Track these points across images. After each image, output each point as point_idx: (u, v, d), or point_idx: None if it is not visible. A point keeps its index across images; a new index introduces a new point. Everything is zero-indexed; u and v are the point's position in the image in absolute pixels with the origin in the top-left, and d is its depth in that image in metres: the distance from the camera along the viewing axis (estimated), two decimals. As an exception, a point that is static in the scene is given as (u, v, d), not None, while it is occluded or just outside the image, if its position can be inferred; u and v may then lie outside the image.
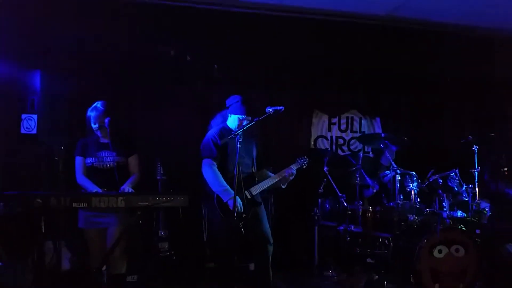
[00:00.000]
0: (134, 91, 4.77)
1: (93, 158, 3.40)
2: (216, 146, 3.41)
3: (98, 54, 4.52)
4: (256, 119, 3.21)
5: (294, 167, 3.57)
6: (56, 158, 3.60)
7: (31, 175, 4.23)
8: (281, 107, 3.21)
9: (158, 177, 4.34)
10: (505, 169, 4.76)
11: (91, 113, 3.38)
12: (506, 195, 4.77)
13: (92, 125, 3.37)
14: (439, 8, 4.66)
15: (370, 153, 5.41)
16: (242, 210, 3.30)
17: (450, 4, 4.52)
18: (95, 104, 3.40)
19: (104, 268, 3.27)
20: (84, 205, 2.77)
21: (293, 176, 3.54)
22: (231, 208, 3.09)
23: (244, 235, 3.29)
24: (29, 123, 4.37)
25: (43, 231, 2.83)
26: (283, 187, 3.60)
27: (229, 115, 3.57)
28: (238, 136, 3.06)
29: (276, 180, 3.51)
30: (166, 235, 4.27)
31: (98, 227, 3.28)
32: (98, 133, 3.40)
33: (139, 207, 2.90)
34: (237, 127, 3.45)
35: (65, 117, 4.48)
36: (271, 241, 3.43)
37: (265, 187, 3.48)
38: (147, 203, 2.89)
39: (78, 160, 3.44)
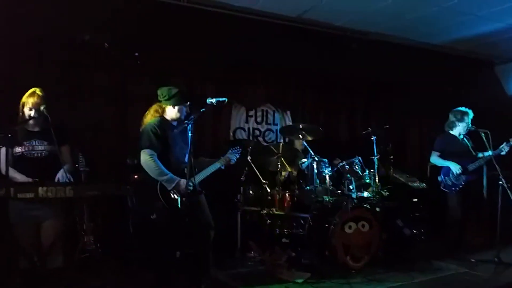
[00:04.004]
0: (51, 79, 4.46)
1: (22, 147, 3.18)
2: (157, 136, 3.45)
3: (10, 39, 4.14)
4: (203, 109, 3.33)
5: (233, 157, 3.80)
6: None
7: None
8: (224, 98, 3.37)
9: (80, 169, 4.17)
10: (392, 157, 5.61)
11: (28, 99, 3.15)
12: (394, 179, 5.63)
13: (28, 111, 3.14)
14: (340, 13, 5.27)
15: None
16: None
17: (348, 10, 5.15)
18: (33, 89, 3.18)
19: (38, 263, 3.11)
20: (31, 195, 2.61)
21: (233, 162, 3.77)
22: (183, 191, 3.18)
23: (187, 223, 3.39)
24: None
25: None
26: (222, 168, 3.79)
27: (167, 106, 3.62)
28: (189, 125, 3.16)
29: (220, 165, 3.69)
30: (91, 228, 4.14)
31: (33, 220, 3.09)
32: (30, 121, 3.18)
33: (87, 196, 2.82)
34: (179, 117, 3.54)
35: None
36: (213, 225, 3.61)
37: (207, 174, 3.63)
38: (96, 192, 2.84)
39: (3, 151, 3.18)
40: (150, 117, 3.66)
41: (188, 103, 3.68)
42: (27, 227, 3.13)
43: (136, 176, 4.41)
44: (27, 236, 3.14)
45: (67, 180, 3.14)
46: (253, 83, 5.63)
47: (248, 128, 5.76)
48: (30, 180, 3.10)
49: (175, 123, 3.64)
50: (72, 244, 4.03)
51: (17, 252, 3.16)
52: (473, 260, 4.68)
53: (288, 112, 5.99)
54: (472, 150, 5.05)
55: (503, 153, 4.75)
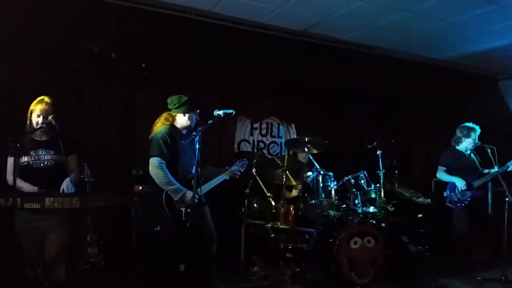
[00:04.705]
0: (58, 90, 4.46)
1: (29, 157, 3.16)
2: (166, 144, 3.44)
3: (19, 49, 4.16)
4: (210, 121, 3.33)
5: (239, 169, 3.78)
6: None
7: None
8: (231, 110, 3.37)
9: (85, 179, 4.14)
10: (396, 171, 5.59)
11: (37, 106, 3.14)
12: (399, 194, 5.60)
13: (36, 118, 3.13)
14: (346, 28, 5.31)
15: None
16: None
17: (354, 25, 5.19)
18: (41, 97, 3.17)
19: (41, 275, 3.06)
20: (37, 206, 2.59)
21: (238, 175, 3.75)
22: (188, 202, 3.16)
23: (191, 234, 3.36)
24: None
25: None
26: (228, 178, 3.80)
27: (178, 114, 3.62)
28: (197, 137, 3.15)
29: (227, 177, 3.68)
30: (94, 239, 4.09)
31: (38, 231, 3.05)
32: (38, 130, 3.17)
33: (95, 207, 2.80)
34: (189, 125, 3.54)
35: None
36: (216, 238, 3.57)
37: (212, 186, 3.61)
38: (103, 203, 2.81)
39: (11, 160, 3.16)
40: (160, 125, 3.65)
41: (198, 110, 3.69)
42: (32, 237, 3.10)
43: (140, 187, 4.38)
44: (32, 247, 3.10)
45: (73, 190, 3.10)
46: (259, 96, 5.64)
47: (253, 141, 5.75)
48: (36, 189, 3.07)
49: (184, 131, 3.64)
50: (76, 255, 4.00)
51: (22, 262, 3.12)
52: (479, 278, 4.63)
53: (293, 125, 5.99)
54: (479, 166, 5.03)
55: (509, 169, 4.73)
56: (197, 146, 3.17)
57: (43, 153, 3.21)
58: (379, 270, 4.36)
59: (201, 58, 5.12)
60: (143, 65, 4.85)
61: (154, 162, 3.41)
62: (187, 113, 3.57)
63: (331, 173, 4.78)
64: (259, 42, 5.34)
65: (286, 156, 4.77)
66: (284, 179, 4.66)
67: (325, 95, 6.03)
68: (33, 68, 4.26)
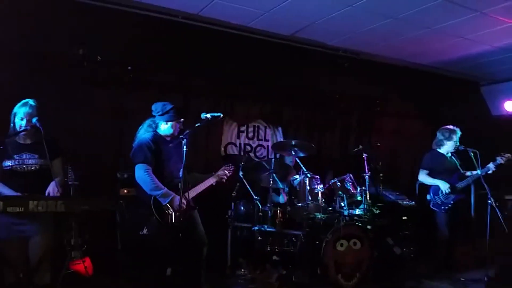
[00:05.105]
0: (43, 92, 4.41)
1: (12, 161, 3.11)
2: (151, 150, 3.43)
3: (3, 52, 4.11)
4: (198, 124, 3.33)
5: (225, 172, 3.79)
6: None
7: None
8: (219, 114, 3.38)
9: (69, 182, 4.10)
10: (381, 174, 5.66)
11: (20, 109, 3.10)
12: (384, 196, 5.67)
13: (20, 121, 3.08)
14: (333, 33, 5.37)
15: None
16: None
17: (339, 30, 5.26)
18: (25, 100, 3.13)
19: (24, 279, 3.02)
20: (21, 209, 2.55)
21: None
22: (177, 206, 3.15)
23: (180, 239, 3.35)
24: None
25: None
26: (214, 184, 3.79)
27: (160, 121, 3.61)
28: (184, 140, 3.14)
29: (213, 181, 3.67)
30: (79, 243, 4.05)
31: (21, 235, 3.01)
32: (22, 134, 3.13)
33: (80, 211, 2.77)
34: (172, 134, 3.53)
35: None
36: (206, 242, 3.57)
37: (199, 191, 3.60)
38: (88, 206, 2.78)
39: None
40: (143, 132, 3.64)
41: (182, 120, 3.67)
42: (14, 242, 3.04)
43: (126, 191, 4.35)
44: (14, 252, 3.05)
45: (58, 194, 3.07)
46: (246, 100, 5.65)
47: (240, 144, 5.76)
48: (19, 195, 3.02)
49: (168, 139, 3.63)
50: (59, 260, 3.95)
51: (3, 267, 3.08)
52: (462, 279, 4.71)
53: (280, 128, 6.01)
54: (460, 168, 5.12)
55: (490, 172, 4.82)
56: (185, 149, 3.16)
57: (28, 157, 3.17)
58: (365, 272, 4.39)
59: (189, 61, 5.13)
60: (129, 67, 4.82)
61: (140, 169, 3.39)
62: (170, 121, 3.56)
63: (317, 176, 4.81)
64: (246, 46, 5.37)
65: (273, 159, 4.78)
66: (271, 182, 4.67)
67: (312, 99, 6.08)
68: (18, 71, 4.21)
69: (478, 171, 4.78)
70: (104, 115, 4.75)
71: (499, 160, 4.78)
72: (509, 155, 4.79)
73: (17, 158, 3.14)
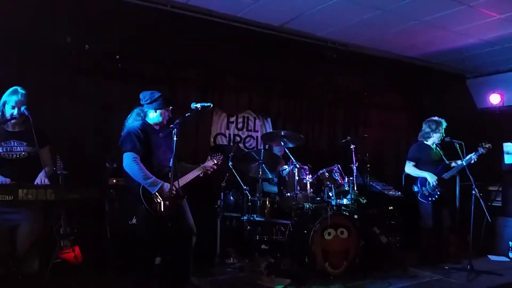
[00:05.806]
0: (32, 81, 4.36)
1: (0, 148, 3.09)
2: (139, 139, 3.42)
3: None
4: (187, 114, 3.33)
5: (212, 163, 3.80)
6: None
7: None
8: (209, 104, 3.38)
9: (58, 172, 4.07)
10: (368, 165, 5.73)
11: (11, 97, 3.06)
12: (371, 187, 5.75)
13: (11, 110, 3.05)
14: (321, 24, 5.39)
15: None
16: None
17: (328, 22, 5.28)
18: (14, 87, 3.10)
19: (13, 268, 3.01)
20: (10, 198, 2.54)
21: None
22: (166, 195, 3.15)
23: (169, 228, 3.36)
24: None
25: None
26: (201, 175, 3.80)
27: (149, 110, 3.60)
28: (175, 129, 3.15)
29: (199, 173, 3.68)
30: (68, 232, 4.03)
31: (8, 224, 2.99)
32: (11, 121, 3.10)
33: (69, 200, 2.77)
34: (161, 122, 3.52)
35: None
36: (195, 231, 3.59)
37: (188, 180, 3.61)
38: (78, 195, 2.78)
39: None
40: (132, 121, 3.63)
41: (171, 107, 3.67)
42: (2, 230, 3.02)
43: (115, 181, 4.34)
44: (1, 240, 3.03)
45: (47, 183, 3.06)
46: (235, 90, 5.64)
47: (229, 134, 5.78)
48: (8, 181, 3.00)
49: (157, 127, 3.62)
50: (48, 248, 3.94)
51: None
52: (446, 267, 4.82)
53: (269, 119, 6.04)
54: (445, 159, 5.21)
55: (472, 161, 4.92)
56: (175, 139, 3.16)
57: (16, 144, 3.14)
58: (352, 260, 4.47)
59: (178, 51, 5.10)
60: (117, 56, 4.78)
61: (128, 157, 3.38)
62: (158, 109, 3.55)
63: (306, 166, 4.86)
64: (235, 36, 5.36)
65: (262, 150, 4.81)
66: (260, 172, 4.70)
67: (301, 90, 6.11)
68: (5, 59, 4.15)
69: (463, 162, 4.88)
70: (91, 105, 4.71)
71: (481, 150, 4.90)
72: (489, 144, 4.91)
73: (5, 145, 3.12)
